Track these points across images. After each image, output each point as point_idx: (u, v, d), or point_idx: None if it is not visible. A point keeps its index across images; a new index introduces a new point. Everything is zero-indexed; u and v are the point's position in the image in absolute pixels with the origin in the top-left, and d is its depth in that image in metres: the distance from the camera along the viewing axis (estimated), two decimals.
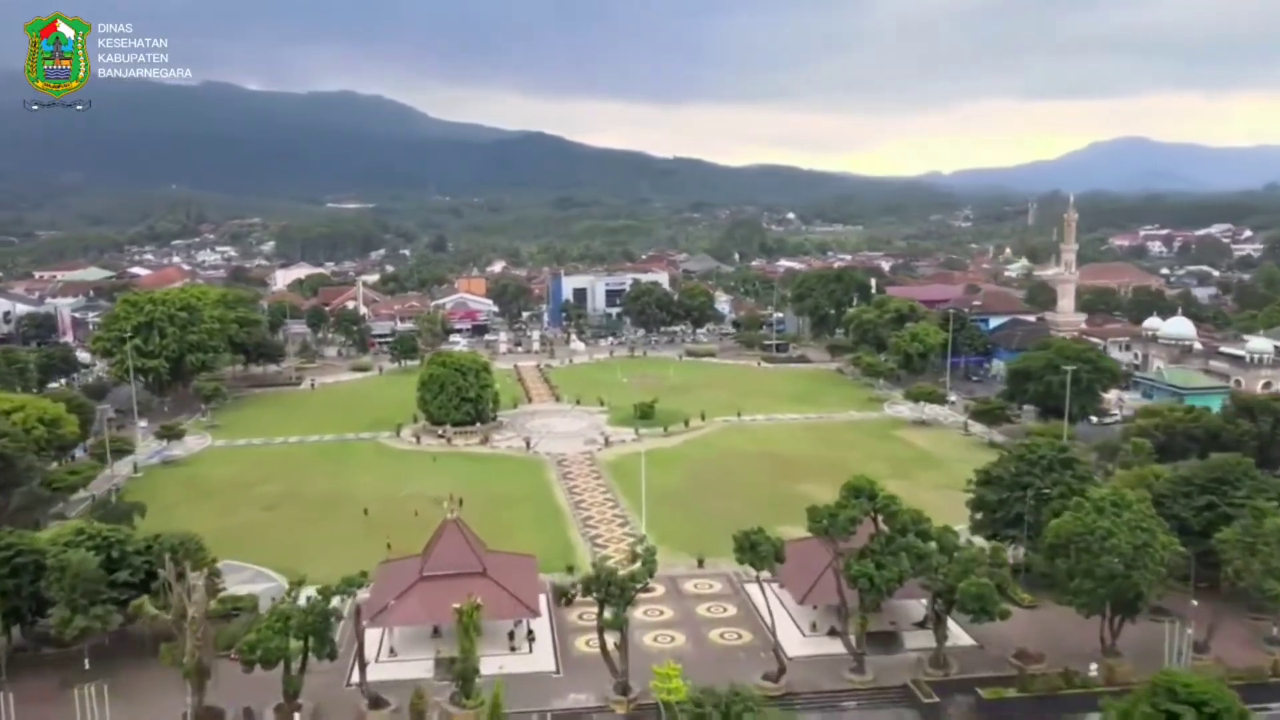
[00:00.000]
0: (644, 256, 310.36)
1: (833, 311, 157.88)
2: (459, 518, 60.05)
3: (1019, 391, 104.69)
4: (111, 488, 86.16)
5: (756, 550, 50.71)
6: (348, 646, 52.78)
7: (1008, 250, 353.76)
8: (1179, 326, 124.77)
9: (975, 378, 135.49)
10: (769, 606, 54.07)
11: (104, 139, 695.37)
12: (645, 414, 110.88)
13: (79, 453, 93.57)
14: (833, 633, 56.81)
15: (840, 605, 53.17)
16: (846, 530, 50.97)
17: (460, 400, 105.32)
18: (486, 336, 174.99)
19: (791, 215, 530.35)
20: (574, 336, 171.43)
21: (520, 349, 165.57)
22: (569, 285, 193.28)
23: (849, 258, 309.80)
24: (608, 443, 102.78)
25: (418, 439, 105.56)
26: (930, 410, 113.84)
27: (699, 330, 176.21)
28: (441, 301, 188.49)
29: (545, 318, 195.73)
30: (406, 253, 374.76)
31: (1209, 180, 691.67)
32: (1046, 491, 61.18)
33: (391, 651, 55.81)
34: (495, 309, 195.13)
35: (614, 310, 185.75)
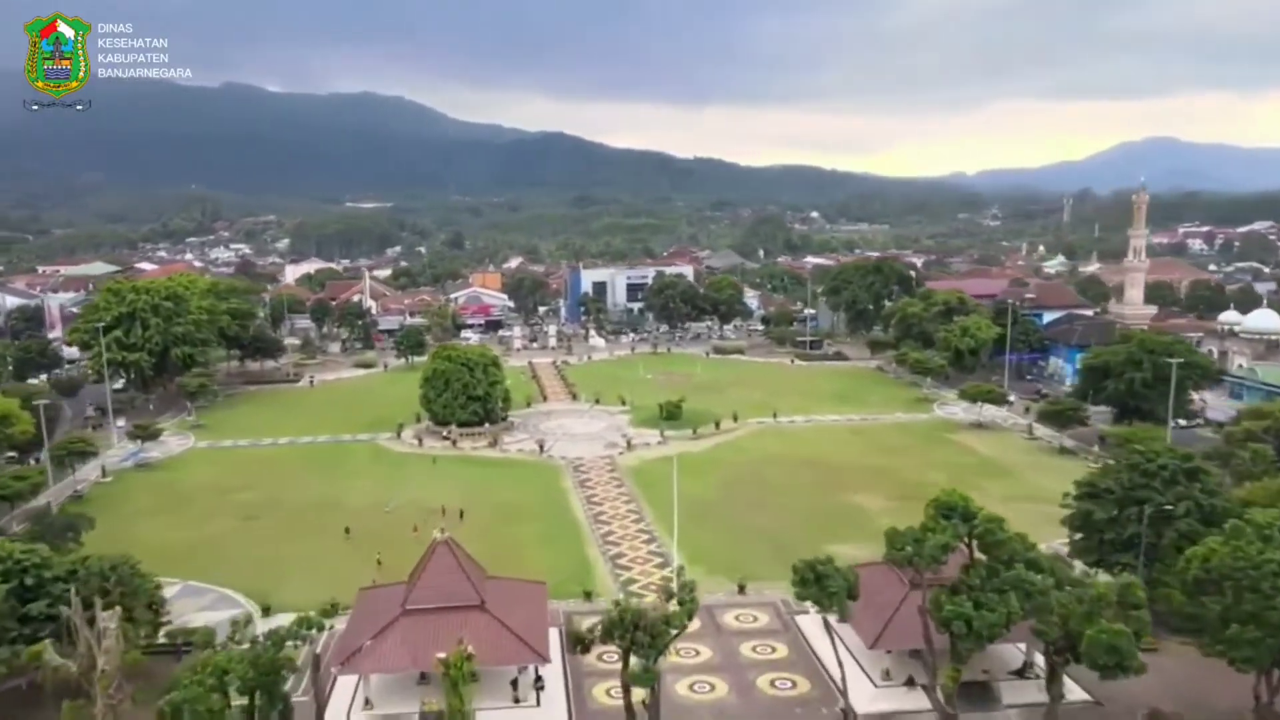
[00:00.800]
0: (665, 253, 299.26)
1: (871, 306, 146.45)
2: (451, 538, 49.39)
3: (1094, 390, 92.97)
4: (68, 496, 76.37)
5: (823, 585, 39.90)
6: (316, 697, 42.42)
7: (1041, 248, 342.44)
8: (1264, 319, 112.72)
9: (1030, 376, 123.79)
10: (837, 654, 43.12)
11: (126, 140, 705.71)
12: (671, 414, 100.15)
13: (43, 455, 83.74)
14: (911, 683, 45.93)
15: (924, 652, 42.17)
16: (936, 560, 39.99)
17: (467, 398, 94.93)
18: (500, 332, 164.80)
19: (815, 214, 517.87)
20: (593, 332, 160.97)
21: (536, 345, 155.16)
22: (588, 278, 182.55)
23: (877, 254, 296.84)
24: (630, 446, 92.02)
25: (419, 441, 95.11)
26: (988, 411, 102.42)
27: (726, 326, 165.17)
28: (454, 296, 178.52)
29: (563, 312, 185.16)
30: (423, 250, 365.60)
31: (1241, 180, 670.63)
32: (1170, 508, 49.88)
33: (367, 703, 45.23)
34: (510, 304, 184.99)
35: (635, 305, 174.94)
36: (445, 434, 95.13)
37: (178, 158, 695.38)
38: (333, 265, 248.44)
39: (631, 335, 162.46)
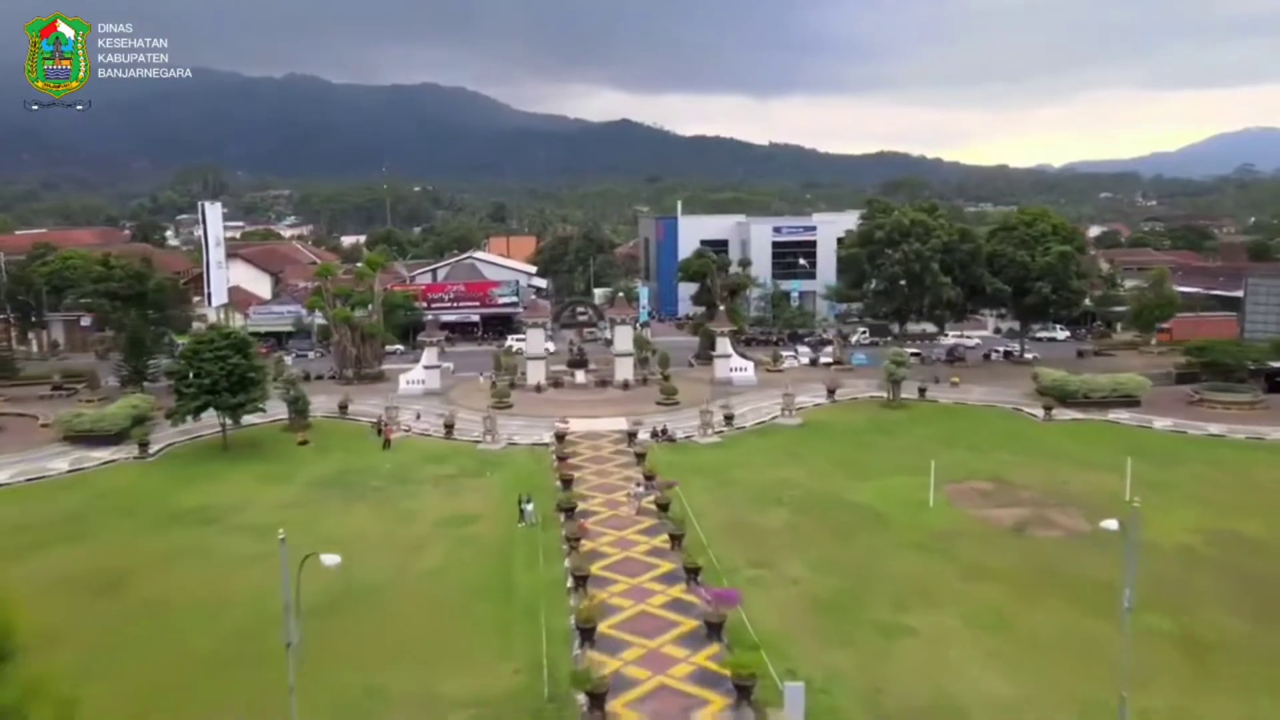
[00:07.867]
0: None
1: None
2: None
3: None
4: None
5: None
6: None
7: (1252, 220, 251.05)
8: None
9: None
10: None
11: (184, 130, 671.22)
12: None
13: None
14: None
15: None
16: None
17: None
18: (510, 339, 72.11)
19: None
20: (728, 346, 64.94)
21: (585, 378, 61.11)
22: (692, 232, 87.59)
23: None
24: None
25: None
26: None
27: (1043, 331, 70.44)
28: (432, 267, 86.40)
29: (644, 300, 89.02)
30: None
31: None
32: None
33: None
34: (539, 282, 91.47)
35: (798, 286, 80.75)
36: None
37: (234, 147, 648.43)
38: (275, 228, 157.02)
39: (825, 350, 68.22)
